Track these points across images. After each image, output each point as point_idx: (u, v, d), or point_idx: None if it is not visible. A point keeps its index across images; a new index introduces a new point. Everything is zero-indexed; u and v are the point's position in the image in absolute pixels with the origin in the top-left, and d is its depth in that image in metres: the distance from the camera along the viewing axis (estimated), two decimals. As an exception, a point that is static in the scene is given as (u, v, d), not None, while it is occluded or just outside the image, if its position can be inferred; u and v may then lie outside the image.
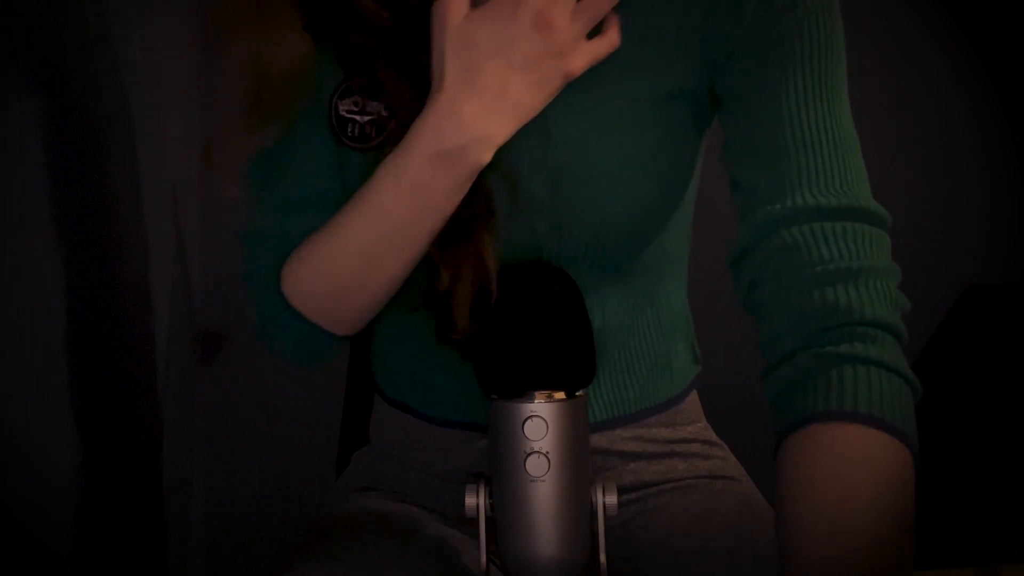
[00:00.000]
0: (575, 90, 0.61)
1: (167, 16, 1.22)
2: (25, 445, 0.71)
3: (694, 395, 0.82)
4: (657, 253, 0.73)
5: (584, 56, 0.59)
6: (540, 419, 0.58)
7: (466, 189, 0.61)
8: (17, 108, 0.69)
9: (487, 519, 0.62)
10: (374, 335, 0.83)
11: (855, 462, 0.52)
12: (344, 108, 0.66)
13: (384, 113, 0.65)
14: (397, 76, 0.64)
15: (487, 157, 0.59)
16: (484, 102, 0.58)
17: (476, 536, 0.62)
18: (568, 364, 0.59)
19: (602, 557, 0.60)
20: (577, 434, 0.59)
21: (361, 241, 0.64)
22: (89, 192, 0.85)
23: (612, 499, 0.60)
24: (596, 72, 0.62)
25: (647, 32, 0.64)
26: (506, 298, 0.60)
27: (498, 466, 0.60)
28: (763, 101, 0.61)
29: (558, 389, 0.59)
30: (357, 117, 0.66)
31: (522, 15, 0.57)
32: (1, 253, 0.67)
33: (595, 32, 0.60)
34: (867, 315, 0.56)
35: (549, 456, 0.58)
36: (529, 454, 0.58)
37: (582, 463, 0.60)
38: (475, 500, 0.61)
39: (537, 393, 0.58)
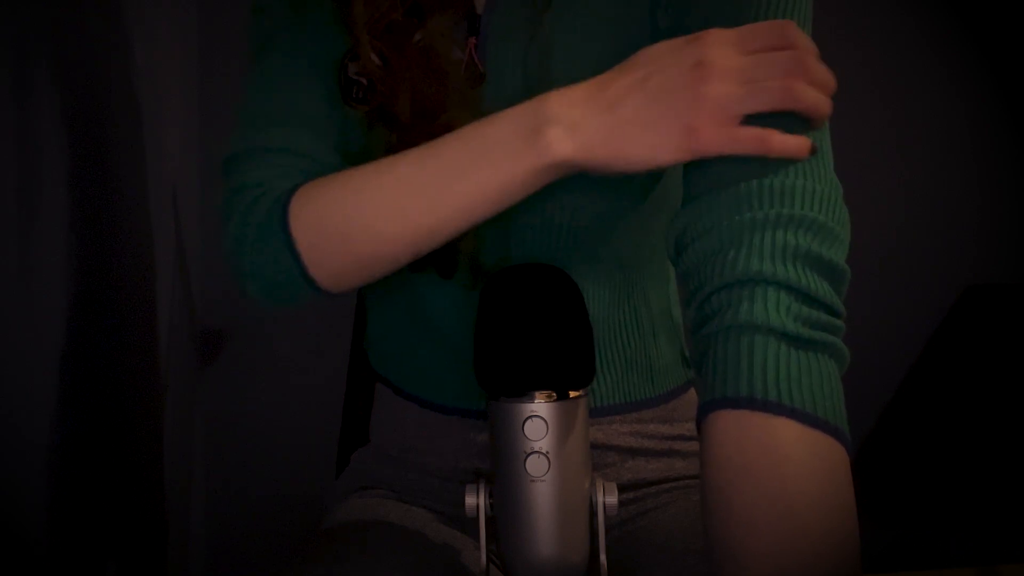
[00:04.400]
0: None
1: (167, 16, 1.22)
2: (25, 445, 0.71)
3: (691, 394, 0.82)
4: (633, 250, 0.73)
5: (731, 140, 0.52)
6: (540, 419, 0.58)
7: (531, 186, 0.58)
8: (19, 111, 0.69)
9: (487, 519, 0.62)
10: (368, 319, 0.83)
11: (788, 461, 0.46)
12: (352, 70, 0.67)
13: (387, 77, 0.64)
14: (390, 44, 0.64)
15: (564, 153, 0.55)
16: (600, 120, 0.55)
17: (476, 536, 0.62)
18: (568, 364, 0.59)
19: (602, 557, 0.60)
20: (577, 434, 0.59)
21: (404, 180, 0.60)
22: (91, 193, 0.85)
23: (612, 499, 0.60)
24: (554, 66, 0.62)
25: (596, 19, 0.64)
26: (506, 298, 0.60)
27: (498, 466, 0.60)
28: None
29: (558, 389, 0.59)
30: (363, 80, 0.66)
31: (687, 55, 0.53)
32: (4, 253, 0.67)
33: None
34: (753, 270, 0.49)
35: (549, 456, 0.58)
36: (529, 454, 0.58)
37: (582, 463, 0.60)
38: (475, 500, 0.61)
39: (537, 393, 0.58)
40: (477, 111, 0.66)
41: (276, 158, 0.67)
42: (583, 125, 0.55)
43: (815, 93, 0.52)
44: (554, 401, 0.58)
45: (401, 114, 0.65)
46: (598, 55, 0.65)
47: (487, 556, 0.62)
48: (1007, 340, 1.65)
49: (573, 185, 0.61)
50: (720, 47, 0.52)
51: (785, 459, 0.46)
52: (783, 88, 0.51)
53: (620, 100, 0.54)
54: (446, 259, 0.68)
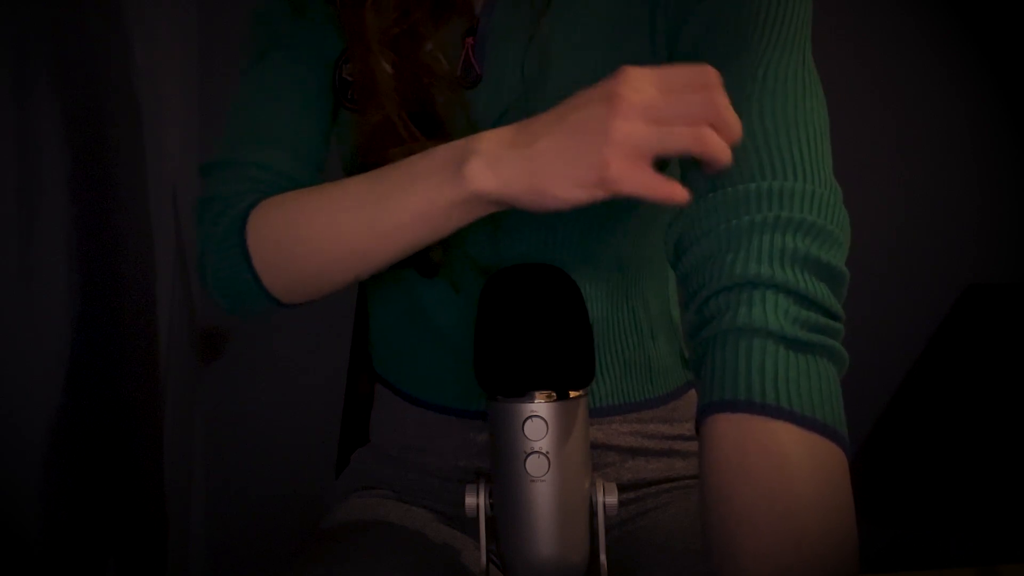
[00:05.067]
0: (536, 87, 0.61)
1: (167, 16, 1.22)
2: (26, 444, 0.71)
3: (691, 394, 0.82)
4: (631, 251, 0.73)
5: (638, 182, 0.52)
6: (540, 419, 0.58)
7: (455, 217, 0.59)
8: (19, 111, 0.69)
9: (487, 519, 0.62)
10: (370, 321, 0.83)
11: (788, 463, 0.46)
12: (347, 72, 0.68)
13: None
14: (380, 48, 0.65)
15: (483, 186, 0.56)
16: (519, 155, 0.55)
17: (476, 536, 0.62)
18: (568, 364, 0.59)
19: (602, 557, 0.60)
20: (577, 434, 0.59)
21: (344, 202, 0.62)
22: (91, 193, 0.85)
23: (612, 499, 0.60)
24: (552, 67, 0.62)
25: (595, 20, 0.64)
26: (506, 298, 0.60)
27: (498, 466, 0.60)
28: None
29: (558, 389, 0.59)
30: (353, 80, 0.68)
31: (603, 89, 0.53)
32: (4, 254, 0.67)
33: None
34: (750, 273, 0.50)
35: (549, 456, 0.58)
36: (529, 454, 0.58)
37: (582, 463, 0.60)
38: (475, 500, 0.61)
39: (537, 393, 0.58)
40: (473, 113, 0.66)
41: (250, 172, 0.69)
42: (503, 159, 0.55)
43: (720, 142, 0.52)
44: (554, 401, 0.58)
45: (397, 121, 0.65)
46: (596, 57, 0.65)
47: (487, 556, 0.62)
48: (1007, 340, 1.65)
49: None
50: (636, 83, 0.52)
51: (784, 461, 0.46)
52: (693, 135, 0.51)
53: (540, 135, 0.54)
54: (422, 259, 0.68)
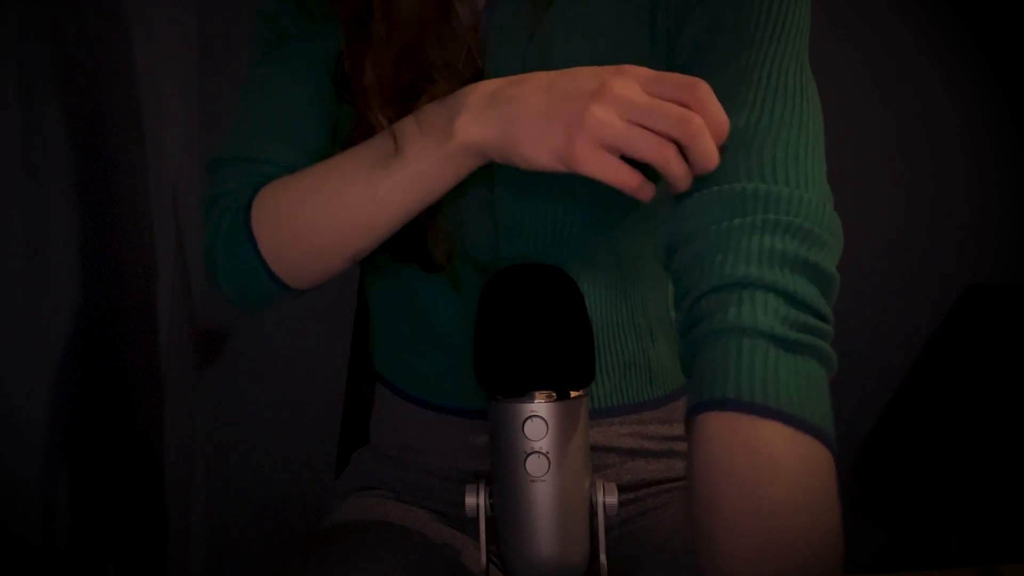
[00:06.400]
0: None
1: (167, 16, 1.22)
2: (25, 445, 0.71)
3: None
4: (630, 251, 0.73)
5: (598, 166, 0.54)
6: (540, 419, 0.58)
7: (449, 170, 0.61)
8: (18, 111, 0.69)
9: (487, 519, 0.62)
10: (371, 321, 0.83)
11: (773, 464, 0.46)
12: (348, 67, 0.68)
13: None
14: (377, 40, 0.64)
15: (469, 136, 0.58)
16: (502, 110, 0.57)
17: (476, 536, 0.63)
18: (568, 364, 0.59)
19: (602, 557, 0.60)
20: (577, 434, 0.59)
21: (344, 172, 0.64)
22: (92, 193, 0.85)
23: (612, 499, 0.60)
24: (552, 66, 0.62)
25: (596, 19, 0.65)
26: (506, 298, 0.60)
27: (498, 466, 0.60)
28: (712, 73, 0.58)
29: (558, 389, 0.59)
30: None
31: (598, 75, 0.55)
32: (6, 254, 0.67)
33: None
34: (739, 273, 0.50)
35: (549, 456, 0.58)
36: (529, 454, 0.58)
37: (582, 463, 0.60)
38: (475, 500, 0.61)
39: (537, 393, 0.58)
40: None
41: (255, 168, 0.69)
42: (486, 109, 0.58)
43: (682, 168, 0.53)
44: (554, 401, 0.58)
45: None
46: (597, 55, 0.65)
47: (487, 556, 0.62)
48: (1007, 340, 1.65)
49: (562, 184, 0.61)
50: (627, 79, 0.54)
51: (770, 461, 0.46)
52: (658, 148, 0.53)
53: (525, 96, 0.57)
54: (425, 256, 0.68)
